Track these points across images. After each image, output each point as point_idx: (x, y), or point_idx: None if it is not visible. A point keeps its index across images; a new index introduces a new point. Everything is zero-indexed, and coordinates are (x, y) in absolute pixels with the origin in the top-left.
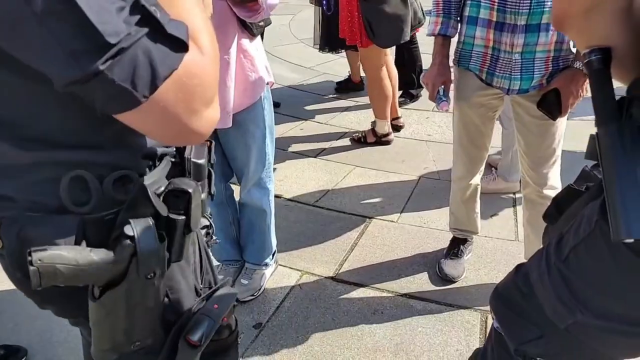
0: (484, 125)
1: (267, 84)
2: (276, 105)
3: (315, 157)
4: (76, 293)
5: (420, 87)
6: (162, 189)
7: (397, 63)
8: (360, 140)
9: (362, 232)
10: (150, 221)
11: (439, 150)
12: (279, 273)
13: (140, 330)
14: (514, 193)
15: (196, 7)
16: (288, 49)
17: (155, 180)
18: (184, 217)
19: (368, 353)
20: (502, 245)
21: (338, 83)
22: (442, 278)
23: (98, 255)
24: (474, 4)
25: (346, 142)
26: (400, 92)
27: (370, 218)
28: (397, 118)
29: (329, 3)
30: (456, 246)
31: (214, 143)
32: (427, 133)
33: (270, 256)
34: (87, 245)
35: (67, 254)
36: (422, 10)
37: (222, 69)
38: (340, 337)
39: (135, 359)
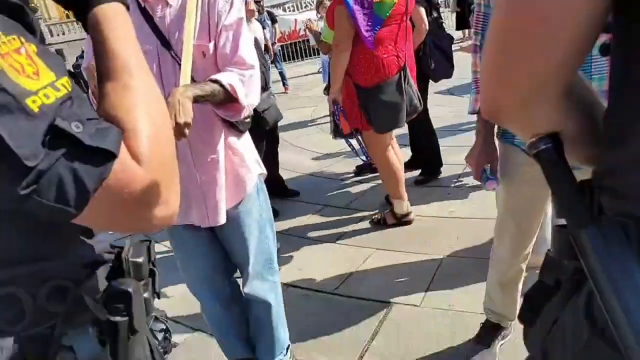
0: (533, 205)
1: (259, 175)
2: (296, 194)
3: (334, 242)
4: None
5: (440, 164)
6: (101, 292)
7: (414, 144)
8: (379, 222)
9: (383, 319)
10: (89, 328)
11: (462, 227)
12: None
13: None
14: None
15: (143, 103)
16: (311, 139)
17: (93, 285)
18: (126, 319)
19: None
20: None
21: (357, 167)
22: None
23: None
24: None
25: (366, 224)
26: (419, 170)
27: (391, 303)
28: (406, 215)
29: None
30: (487, 333)
31: (152, 242)
32: (449, 210)
33: (284, 351)
34: None
35: None
36: (418, 98)
37: (212, 168)
38: None
39: None
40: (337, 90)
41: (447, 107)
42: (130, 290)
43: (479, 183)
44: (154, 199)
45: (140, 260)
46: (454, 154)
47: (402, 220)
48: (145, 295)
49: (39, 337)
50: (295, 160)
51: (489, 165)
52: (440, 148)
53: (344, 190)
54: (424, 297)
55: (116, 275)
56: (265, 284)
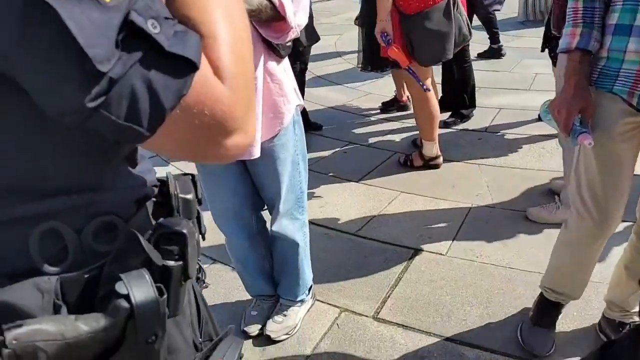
0: (628, 164)
1: (297, 106)
2: (318, 127)
3: (357, 181)
4: None
5: (472, 107)
6: (150, 232)
7: (447, 81)
8: (406, 164)
9: (407, 266)
10: (145, 274)
11: (493, 175)
12: (316, 309)
13: None
14: None
15: (220, 6)
16: (332, 69)
17: (142, 223)
18: (180, 264)
19: None
20: None
21: (383, 103)
22: (525, 348)
23: (87, 323)
24: (628, 9)
25: (391, 165)
26: (450, 112)
27: (416, 250)
28: (437, 157)
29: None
30: (550, 312)
31: (196, 176)
32: (480, 156)
33: (307, 291)
34: (68, 312)
35: (50, 328)
36: (468, 26)
37: None
38: None
39: None
40: (386, 19)
41: (480, 45)
42: (185, 231)
43: (512, 129)
44: (235, 123)
45: (190, 196)
46: (487, 96)
47: (430, 164)
48: (197, 236)
49: (83, 280)
50: (317, 92)
51: (580, 115)
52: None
53: (369, 127)
54: (450, 246)
55: (162, 213)
56: (294, 222)
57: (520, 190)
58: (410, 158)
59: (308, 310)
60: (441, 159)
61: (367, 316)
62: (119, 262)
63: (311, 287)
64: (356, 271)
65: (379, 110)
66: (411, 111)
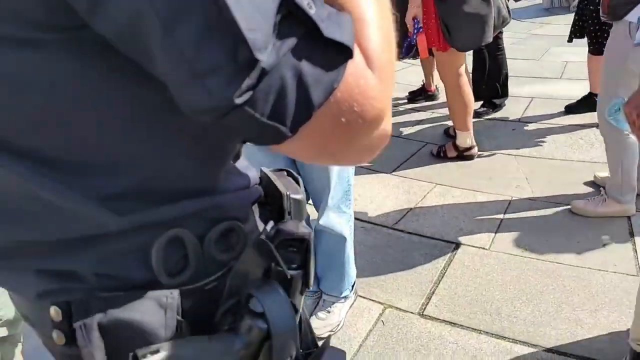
0: None
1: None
2: None
3: (389, 173)
4: None
5: (505, 96)
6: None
7: (478, 70)
8: (439, 155)
9: (450, 261)
10: (280, 289)
11: (531, 166)
12: (359, 305)
13: None
14: (629, 217)
15: None
16: None
17: (252, 228)
18: (300, 272)
19: None
20: (622, 281)
21: (411, 93)
22: None
23: (220, 345)
24: None
25: (424, 156)
26: (481, 102)
27: (457, 244)
28: (471, 148)
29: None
30: None
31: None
32: (516, 147)
33: (350, 287)
34: (190, 329)
35: (187, 353)
36: (507, 8)
37: None
38: None
39: None
40: (418, 4)
41: (509, 33)
42: (307, 236)
43: (546, 120)
44: (380, 119)
45: (300, 197)
46: (517, 85)
47: (465, 155)
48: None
49: (204, 293)
50: None
51: None
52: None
53: (397, 117)
54: (493, 240)
55: (273, 217)
56: (341, 216)
57: (560, 182)
58: (444, 149)
59: (350, 307)
60: (476, 149)
61: (412, 313)
62: (240, 272)
63: (354, 283)
64: (396, 266)
65: (406, 100)
66: (439, 100)
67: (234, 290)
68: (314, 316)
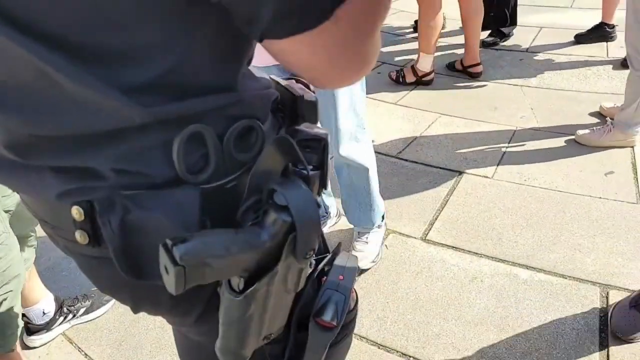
0: None
1: None
2: None
3: (394, 103)
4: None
5: (514, 24)
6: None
7: None
8: (398, 80)
9: (453, 189)
10: (302, 184)
11: (536, 96)
12: None
13: (279, 322)
14: (632, 147)
15: None
16: None
17: (273, 128)
18: (318, 172)
19: (468, 326)
20: (621, 208)
21: (416, 21)
22: (612, 331)
23: (247, 237)
24: None
25: (429, 87)
26: (489, 31)
27: (461, 173)
28: (477, 65)
29: None
30: None
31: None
32: (522, 77)
33: (381, 216)
34: (211, 227)
35: (216, 242)
36: None
37: None
38: (435, 305)
39: (259, 352)
40: None
41: None
42: (324, 136)
43: (555, 50)
44: (375, 33)
45: (314, 99)
46: (525, 14)
47: (422, 80)
48: None
49: (225, 192)
50: None
51: None
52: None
53: (400, 47)
54: (496, 169)
55: (286, 121)
56: (360, 145)
57: (566, 112)
58: (403, 73)
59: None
60: (434, 75)
61: (415, 238)
62: (260, 170)
63: (384, 211)
64: (400, 193)
65: (411, 29)
66: (446, 29)
67: (255, 188)
68: (352, 250)
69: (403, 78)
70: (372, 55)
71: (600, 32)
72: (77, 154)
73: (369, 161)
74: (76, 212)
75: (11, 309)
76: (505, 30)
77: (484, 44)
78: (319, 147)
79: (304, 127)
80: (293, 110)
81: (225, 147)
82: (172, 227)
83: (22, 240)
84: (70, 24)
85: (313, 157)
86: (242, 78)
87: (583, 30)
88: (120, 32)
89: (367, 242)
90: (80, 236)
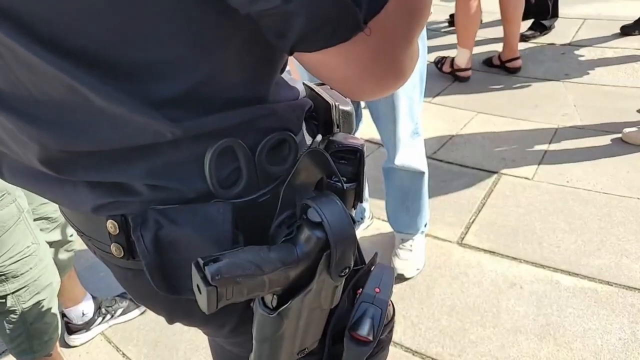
0: None
1: None
2: None
3: (429, 101)
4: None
5: (555, 16)
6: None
7: None
8: (437, 65)
9: (491, 190)
10: (337, 199)
11: (580, 92)
12: None
13: (313, 337)
14: None
15: None
16: None
17: (302, 141)
18: (353, 185)
19: (507, 334)
20: None
21: (451, 15)
22: None
23: (280, 255)
24: None
25: (465, 84)
26: (531, 22)
27: (499, 174)
28: (516, 59)
29: None
30: None
31: None
32: (564, 72)
33: (427, 221)
34: (244, 243)
35: (248, 261)
36: None
37: None
38: (472, 312)
39: None
40: None
41: None
42: (360, 147)
43: (599, 43)
44: (411, 44)
45: (349, 108)
46: (568, 5)
47: (457, 74)
48: None
49: (257, 206)
50: None
51: None
52: None
53: (436, 41)
54: (537, 170)
55: (320, 130)
56: (416, 149)
57: (612, 109)
58: (443, 61)
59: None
60: (470, 72)
61: (451, 242)
62: (294, 184)
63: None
64: (435, 195)
65: (447, 23)
66: (483, 23)
67: (288, 202)
68: (396, 257)
69: (442, 66)
70: (408, 67)
71: None
72: (111, 169)
73: (424, 165)
74: (111, 226)
75: (46, 316)
76: (546, 22)
77: (523, 38)
78: (355, 159)
79: (339, 137)
80: (327, 118)
81: (257, 160)
82: (204, 243)
83: (61, 245)
84: (98, 39)
85: (348, 169)
86: (275, 88)
87: (630, 22)
88: (148, 46)
89: (411, 250)
90: (115, 249)
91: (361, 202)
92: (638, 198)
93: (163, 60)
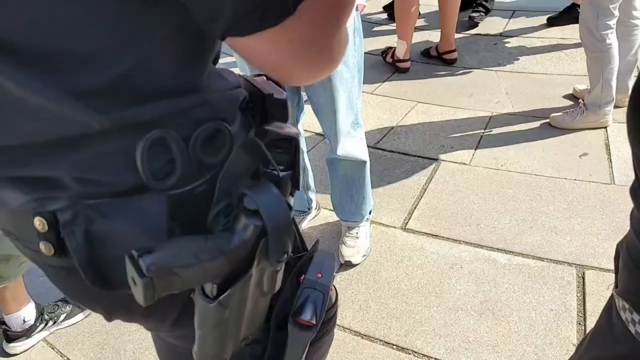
0: None
1: (357, 9)
2: None
3: (371, 93)
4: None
5: None
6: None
7: None
8: (381, 55)
9: (431, 177)
10: (273, 187)
11: (511, 80)
12: None
13: (256, 324)
14: (606, 128)
15: None
16: None
17: (241, 129)
18: (289, 173)
19: (449, 312)
20: (596, 189)
21: (385, 7)
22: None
23: (217, 243)
24: None
25: (405, 75)
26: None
27: (438, 160)
28: (452, 51)
29: None
30: None
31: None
32: (497, 62)
33: (370, 209)
34: (181, 233)
35: (184, 251)
36: None
37: None
38: (416, 293)
39: (239, 353)
40: None
41: None
42: (295, 136)
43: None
44: (341, 28)
45: (284, 96)
46: None
47: (396, 65)
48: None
49: (193, 197)
50: None
51: None
52: None
53: (376, 36)
54: (473, 155)
55: (256, 120)
56: (356, 140)
57: (540, 96)
58: (388, 52)
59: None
60: (409, 63)
61: (395, 227)
62: (230, 174)
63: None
64: (379, 183)
65: (387, 17)
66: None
67: (224, 192)
68: (342, 245)
69: (386, 56)
70: (338, 51)
71: (573, 14)
72: (36, 163)
73: (365, 155)
74: (39, 224)
75: None
76: (488, 4)
77: (471, 21)
78: (291, 147)
79: (274, 127)
80: (263, 109)
81: (191, 151)
82: (139, 236)
83: (14, 262)
84: (17, 28)
85: (284, 157)
86: (207, 78)
87: (555, 13)
88: (71, 36)
89: (357, 237)
90: (44, 247)
91: (298, 189)
92: (565, 178)
93: (85, 51)
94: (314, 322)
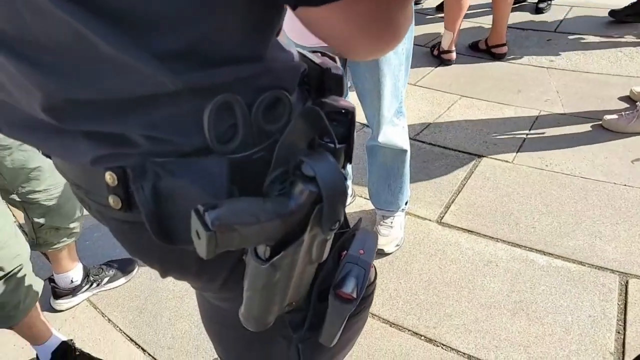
0: None
1: None
2: None
3: (414, 84)
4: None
5: None
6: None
7: None
8: (430, 49)
9: (471, 172)
10: (330, 156)
11: (563, 79)
12: None
13: (301, 291)
14: None
15: None
16: None
17: (297, 102)
18: (344, 146)
19: (481, 308)
20: None
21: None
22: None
23: (275, 206)
24: None
25: (450, 68)
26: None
27: (480, 156)
28: (502, 45)
29: None
30: None
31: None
32: (549, 58)
33: (407, 199)
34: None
35: (245, 210)
36: None
37: None
38: (448, 287)
39: (280, 320)
40: None
41: None
42: (351, 109)
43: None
44: (408, 3)
45: (340, 72)
46: None
47: (441, 57)
48: None
49: (252, 162)
50: None
51: None
52: None
53: (425, 26)
54: (517, 154)
55: (312, 94)
56: (399, 128)
57: (593, 96)
58: (435, 47)
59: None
60: (454, 54)
61: (430, 220)
62: (288, 142)
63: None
64: (417, 176)
65: (434, 8)
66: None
67: (282, 159)
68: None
69: (433, 49)
70: (403, 26)
71: (637, 10)
72: (111, 119)
73: (406, 144)
74: (109, 178)
75: (18, 286)
76: (541, 5)
77: (538, 10)
78: (346, 121)
79: (331, 99)
80: (320, 83)
81: (253, 117)
82: (201, 195)
83: (64, 232)
84: None
85: (339, 130)
86: (271, 49)
87: (618, 7)
88: (159, 1)
89: (391, 226)
90: (113, 201)
91: (350, 162)
92: (614, 183)
93: (167, 13)
94: (354, 295)
